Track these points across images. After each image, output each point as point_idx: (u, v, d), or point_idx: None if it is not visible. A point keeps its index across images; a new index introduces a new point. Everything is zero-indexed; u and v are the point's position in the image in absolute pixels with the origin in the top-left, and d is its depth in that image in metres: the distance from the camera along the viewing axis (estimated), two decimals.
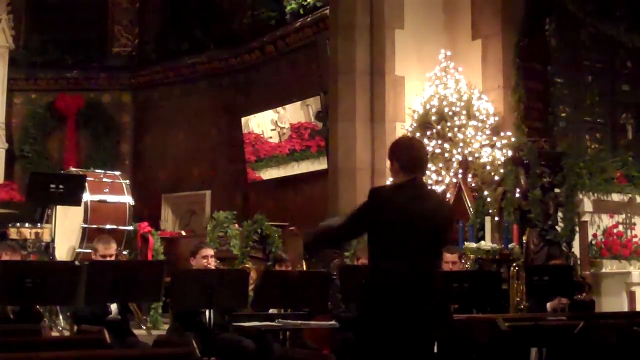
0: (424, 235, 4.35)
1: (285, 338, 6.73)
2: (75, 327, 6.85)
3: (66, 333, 7.86)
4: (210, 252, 7.27)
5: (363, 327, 4.35)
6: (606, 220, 9.63)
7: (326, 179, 11.60)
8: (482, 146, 10.06)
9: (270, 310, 7.14)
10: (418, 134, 10.41)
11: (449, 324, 4.44)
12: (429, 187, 4.65)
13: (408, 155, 4.49)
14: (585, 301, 7.90)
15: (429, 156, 10.06)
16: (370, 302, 4.33)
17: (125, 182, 10.70)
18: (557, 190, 9.35)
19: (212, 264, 7.26)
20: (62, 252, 9.80)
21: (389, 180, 10.19)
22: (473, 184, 10.06)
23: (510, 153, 9.70)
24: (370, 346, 4.26)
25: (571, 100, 10.66)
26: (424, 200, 4.43)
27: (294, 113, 13.85)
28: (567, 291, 7.51)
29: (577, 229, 9.28)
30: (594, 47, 11.06)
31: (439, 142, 10.28)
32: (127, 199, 10.46)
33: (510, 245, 8.98)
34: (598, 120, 11.04)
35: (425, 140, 10.31)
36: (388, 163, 4.65)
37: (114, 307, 6.72)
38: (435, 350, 5.70)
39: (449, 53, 10.66)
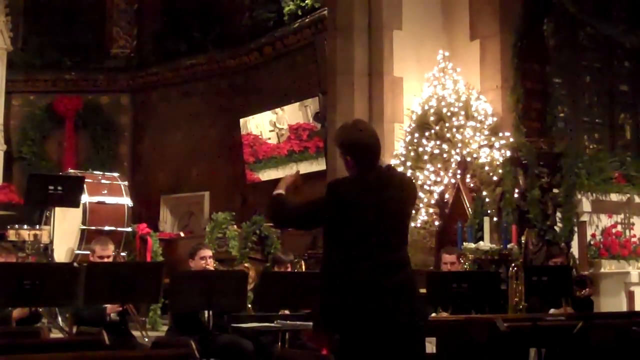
0: (386, 225, 4.20)
1: (285, 339, 6.73)
2: (75, 329, 6.85)
3: (65, 334, 7.85)
4: (208, 253, 7.27)
5: (333, 321, 4.19)
6: (605, 220, 9.63)
7: (325, 180, 11.59)
8: (480, 147, 10.05)
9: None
10: (416, 135, 10.42)
11: (419, 310, 4.28)
12: (387, 169, 4.47)
13: (360, 147, 4.27)
14: (587, 297, 7.91)
15: (427, 157, 10.22)
16: (337, 294, 4.14)
17: (124, 184, 10.71)
18: (555, 190, 9.36)
19: (211, 265, 7.27)
20: (61, 254, 9.81)
21: None
22: (472, 185, 10.06)
23: (508, 153, 9.71)
24: (347, 340, 4.15)
25: (569, 100, 10.66)
26: (386, 187, 4.25)
27: (293, 114, 13.85)
28: (566, 291, 7.52)
29: (575, 229, 9.29)
30: (592, 47, 11.07)
31: (438, 142, 10.29)
32: (126, 201, 10.47)
33: (509, 246, 8.98)
34: (596, 120, 11.04)
35: (424, 141, 10.33)
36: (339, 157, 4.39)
37: (113, 314, 6.71)
38: (434, 350, 5.71)
39: (447, 54, 10.66)
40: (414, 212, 8.72)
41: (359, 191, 4.21)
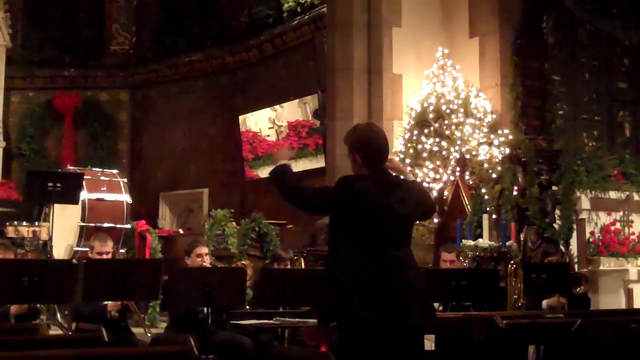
0: (394, 225, 4.27)
1: (284, 336, 6.73)
2: (74, 325, 6.85)
3: (65, 331, 7.85)
4: (204, 250, 7.23)
5: (341, 320, 4.21)
6: (604, 218, 9.64)
7: (324, 177, 11.60)
8: (479, 144, 10.06)
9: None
10: (416, 132, 10.43)
11: (428, 311, 4.35)
12: (393, 175, 4.51)
13: (371, 148, 4.36)
14: (583, 294, 7.91)
15: (426, 154, 10.22)
16: (342, 293, 4.16)
17: (123, 181, 10.69)
18: (554, 187, 9.36)
19: (207, 261, 7.24)
20: (60, 251, 9.80)
21: None
22: (471, 182, 10.06)
23: (507, 151, 9.71)
24: (350, 339, 4.17)
25: (568, 97, 10.66)
26: (394, 188, 4.33)
27: (292, 111, 13.85)
28: (565, 288, 7.52)
29: (574, 226, 9.29)
30: (591, 44, 11.06)
31: (437, 140, 10.29)
32: (125, 197, 10.45)
33: (507, 243, 8.99)
34: (595, 117, 11.03)
35: (423, 138, 10.34)
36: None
37: (113, 311, 6.70)
38: (433, 347, 5.71)
39: (446, 51, 10.66)
40: None
41: (370, 189, 4.26)
